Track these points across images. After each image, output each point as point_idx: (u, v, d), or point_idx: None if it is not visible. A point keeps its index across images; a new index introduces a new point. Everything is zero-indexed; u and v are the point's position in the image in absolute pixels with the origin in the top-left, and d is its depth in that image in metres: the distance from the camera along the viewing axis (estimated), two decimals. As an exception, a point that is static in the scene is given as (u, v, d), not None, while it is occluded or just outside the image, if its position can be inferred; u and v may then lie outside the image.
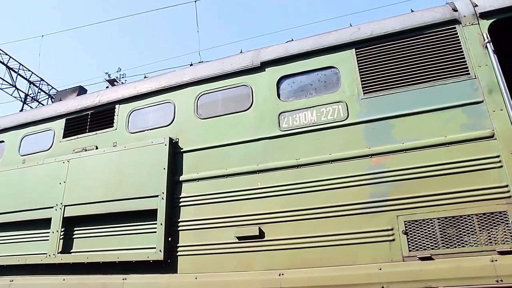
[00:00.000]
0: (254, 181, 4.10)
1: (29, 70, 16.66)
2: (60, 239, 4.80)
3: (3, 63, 15.75)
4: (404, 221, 3.50)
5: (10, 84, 16.21)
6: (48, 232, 4.92)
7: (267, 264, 3.78)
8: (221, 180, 4.25)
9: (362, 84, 4.03)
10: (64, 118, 5.66)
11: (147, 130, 4.92)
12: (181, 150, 4.59)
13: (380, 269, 3.42)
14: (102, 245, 4.58)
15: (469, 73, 3.72)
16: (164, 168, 4.45)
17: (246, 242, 3.93)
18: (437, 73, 3.82)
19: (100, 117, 5.37)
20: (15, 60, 15.99)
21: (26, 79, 16.61)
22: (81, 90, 6.95)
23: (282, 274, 3.67)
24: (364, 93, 4.00)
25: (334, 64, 4.24)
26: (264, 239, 3.88)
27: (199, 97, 4.77)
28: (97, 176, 4.84)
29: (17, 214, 5.27)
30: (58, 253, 4.74)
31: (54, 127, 5.70)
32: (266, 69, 4.53)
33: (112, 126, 5.20)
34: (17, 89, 16.29)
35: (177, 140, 4.65)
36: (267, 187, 4.02)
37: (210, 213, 4.18)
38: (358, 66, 4.11)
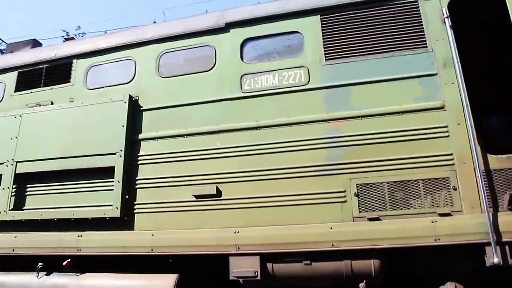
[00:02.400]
0: (213, 141, 4.13)
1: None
2: (11, 195, 4.65)
3: None
4: (356, 184, 3.67)
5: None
6: (-2, 189, 4.74)
7: (224, 222, 3.88)
8: (180, 140, 4.24)
9: (324, 51, 4.08)
10: (17, 71, 5.35)
11: (106, 87, 4.77)
12: (141, 109, 4.51)
13: (331, 228, 3.60)
14: (58, 203, 4.48)
15: (426, 47, 3.86)
16: (123, 126, 4.37)
17: (203, 200, 4.00)
18: (397, 44, 3.94)
19: (56, 72, 5.11)
20: None
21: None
22: (36, 44, 6.56)
23: (238, 232, 3.78)
24: (326, 60, 4.06)
25: (299, 29, 4.24)
26: (221, 198, 3.96)
27: (161, 56, 4.65)
28: (53, 132, 4.67)
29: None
30: (9, 210, 4.60)
31: (5, 80, 5.39)
32: (230, 31, 4.47)
33: (69, 82, 4.98)
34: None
35: (137, 98, 4.55)
36: (226, 147, 4.06)
37: (168, 172, 4.19)
38: (322, 33, 4.14)
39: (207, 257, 3.89)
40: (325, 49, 4.09)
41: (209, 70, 4.41)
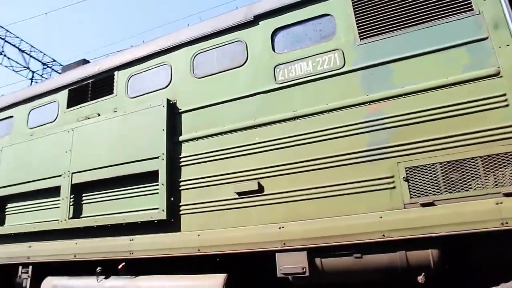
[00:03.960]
0: (251, 137, 4.04)
1: (41, 52, 16.89)
2: (70, 205, 4.93)
3: (15, 46, 15.99)
4: (405, 168, 3.37)
5: (24, 67, 16.50)
6: (59, 200, 5.06)
7: (267, 218, 3.77)
8: (219, 138, 4.21)
9: (358, 30, 3.83)
10: (67, 89, 5.70)
11: (146, 93, 4.89)
12: (179, 111, 4.55)
13: (381, 217, 3.34)
14: (110, 209, 4.67)
15: (472, 9, 3.46)
16: (163, 130, 4.44)
17: (246, 197, 3.92)
18: (437, 11, 3.58)
19: (100, 85, 5.37)
20: (26, 43, 16.21)
21: (39, 60, 16.87)
22: (85, 63, 6.95)
23: (282, 227, 3.65)
24: (360, 39, 3.81)
25: (329, 12, 4.03)
26: (263, 193, 3.85)
27: (195, 57, 4.68)
28: (100, 142, 4.89)
29: (30, 184, 5.44)
30: (69, 218, 4.88)
31: (58, 99, 5.76)
32: (259, 23, 4.37)
33: (112, 93, 5.20)
34: (31, 71, 16.58)
35: (175, 101, 4.60)
36: (264, 141, 3.96)
37: (209, 171, 4.17)
38: (354, 12, 3.90)
39: (253, 254, 3.80)
40: (359, 28, 3.84)
41: (242, 65, 4.34)
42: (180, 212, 4.22)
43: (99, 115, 5.13)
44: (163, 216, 4.19)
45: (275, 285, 3.88)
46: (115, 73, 5.26)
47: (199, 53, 4.67)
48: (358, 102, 3.66)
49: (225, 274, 3.84)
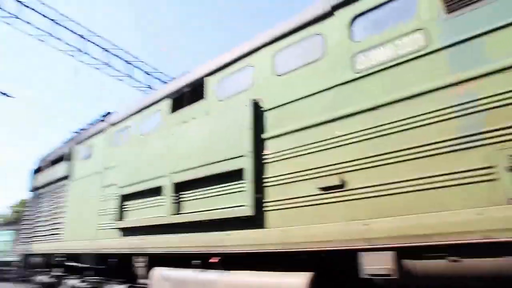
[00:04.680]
0: (332, 130, 3.91)
1: (161, 72, 19.07)
2: (172, 202, 5.43)
3: (120, 57, 18.24)
4: (509, 156, 2.88)
5: (147, 86, 18.80)
6: (164, 198, 5.62)
7: (351, 214, 3.59)
8: (300, 134, 4.18)
9: (444, 3, 3.42)
10: (168, 98, 6.31)
11: (232, 95, 5.13)
12: (263, 109, 4.65)
13: (480, 214, 2.90)
14: (203, 206, 5.00)
15: None
16: (248, 128, 4.59)
17: (328, 193, 3.80)
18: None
19: (194, 91, 5.82)
20: (130, 54, 18.40)
21: (158, 78, 19.06)
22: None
23: (367, 224, 3.44)
24: (445, 13, 3.39)
25: (409, -11, 3.68)
26: (346, 188, 3.68)
27: (276, 55, 4.74)
28: (193, 144, 5.29)
29: (142, 184, 6.15)
30: (171, 214, 5.38)
31: (161, 108, 6.42)
32: (336, 13, 4.21)
33: (204, 98, 5.57)
34: (150, 87, 18.77)
35: (259, 100, 4.72)
36: (345, 134, 3.79)
37: (292, 167, 4.16)
38: (438, -16, 3.49)
39: (335, 253, 3.66)
40: (444, 1, 3.42)
41: (320, 58, 4.24)
42: (265, 209, 4.29)
43: (194, 119, 5.55)
44: (249, 212, 4.32)
45: (358, 286, 3.67)
46: (205, 79, 5.65)
47: (279, 51, 4.72)
48: (446, 84, 3.25)
49: (310, 273, 3.77)
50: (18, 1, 14.73)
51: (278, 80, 4.62)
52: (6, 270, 24.60)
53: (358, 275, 3.43)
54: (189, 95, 5.92)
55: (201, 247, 4.87)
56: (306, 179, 4.02)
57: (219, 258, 4.72)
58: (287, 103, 4.42)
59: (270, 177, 4.36)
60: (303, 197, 3.99)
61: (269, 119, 4.58)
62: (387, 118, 3.54)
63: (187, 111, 5.79)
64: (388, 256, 3.28)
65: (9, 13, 14.64)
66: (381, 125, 3.56)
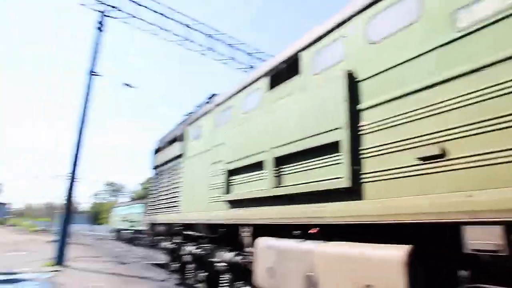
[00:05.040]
0: (431, 97, 3.63)
1: (263, 52, 19.61)
2: (273, 176, 5.67)
3: (244, 51, 19.05)
4: None
5: (249, 66, 19.61)
6: (265, 172, 5.90)
7: (453, 185, 3.34)
8: (397, 102, 3.96)
9: None
10: (265, 76, 6.51)
11: (327, 68, 5.07)
12: (358, 79, 4.52)
13: None
14: (302, 178, 5.12)
15: None
16: (344, 100, 4.53)
17: (428, 163, 3.58)
18: None
19: (289, 68, 5.90)
20: (232, 37, 19.10)
21: (260, 58, 19.69)
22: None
23: (471, 196, 3.17)
24: None
25: None
26: (447, 158, 3.42)
27: (368, 23, 4.53)
28: (290, 120, 5.41)
29: (245, 160, 6.54)
30: (272, 188, 5.64)
31: (260, 86, 6.66)
32: (434, -32, 3.83)
33: (299, 73, 5.62)
34: (252, 67, 19.56)
35: (353, 70, 4.60)
36: (445, 100, 3.49)
37: (390, 138, 4.00)
38: None
39: (435, 226, 3.46)
40: None
41: (417, 20, 3.93)
42: (363, 180, 4.23)
43: (289, 94, 5.66)
44: (346, 184, 4.31)
45: (461, 262, 3.41)
46: (299, 54, 5.68)
47: (372, 19, 4.50)
48: None
49: (410, 246, 3.64)
50: (133, 1, 16.41)
51: (373, 48, 4.42)
52: (140, 237, 28.50)
53: (461, 250, 3.21)
54: (285, 71, 6.02)
55: (300, 219, 5.02)
56: (405, 149, 3.83)
57: (318, 228, 4.82)
58: (383, 71, 4.22)
59: (367, 148, 4.26)
60: (401, 167, 3.83)
61: (365, 89, 4.44)
62: (493, 79, 3.16)
63: (283, 88, 5.92)
64: (497, 230, 3.00)
65: (127, 13, 16.41)
66: (487, 88, 3.20)
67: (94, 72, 15.14)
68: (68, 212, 14.31)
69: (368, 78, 4.41)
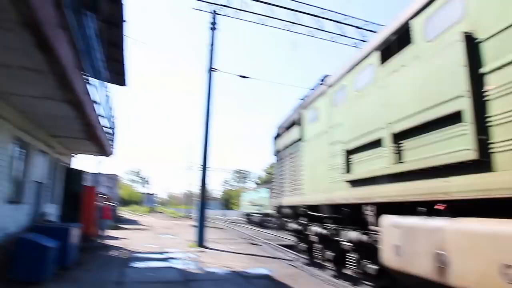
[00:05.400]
0: None
1: (374, 23, 18.58)
2: (392, 153, 5.48)
3: (353, 26, 18.36)
4: None
5: (361, 40, 18.84)
6: (384, 149, 5.73)
7: None
8: None
9: None
10: (376, 51, 6.26)
11: (441, 33, 4.66)
12: (478, 41, 4.06)
13: None
14: (424, 153, 4.84)
15: None
16: (462, 66, 4.13)
17: None
18: None
19: (401, 39, 5.57)
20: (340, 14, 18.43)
21: (370, 30, 18.77)
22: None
23: None
24: None
25: None
26: None
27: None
28: (406, 93, 5.16)
29: (362, 139, 6.45)
30: (392, 164, 5.45)
31: (371, 61, 6.43)
32: None
33: (411, 42, 5.27)
34: (364, 41, 18.73)
35: (472, 31, 4.14)
36: None
37: None
38: None
39: None
40: None
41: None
42: (491, 151, 3.82)
43: (403, 66, 5.35)
44: (472, 156, 3.96)
45: None
46: (409, 22, 5.32)
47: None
48: None
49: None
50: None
51: (496, 2, 3.90)
52: (268, 220, 30.09)
53: None
54: (396, 43, 5.71)
55: (424, 195, 4.78)
56: None
57: (445, 205, 4.52)
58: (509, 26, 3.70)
59: (495, 115, 3.82)
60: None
61: (488, 50, 3.97)
62: None
63: (396, 60, 5.64)
64: None
65: (236, 8, 17.24)
66: None
67: (213, 69, 16.36)
68: (203, 199, 15.93)
69: (492, 36, 3.92)
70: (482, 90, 3.98)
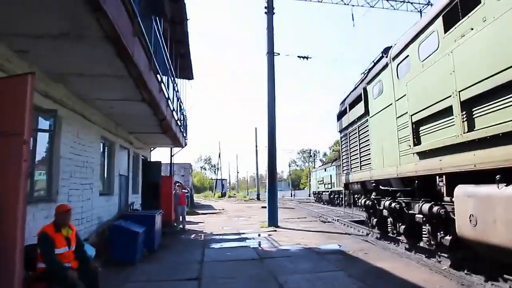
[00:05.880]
0: None
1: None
2: (462, 121, 5.33)
3: None
4: None
5: (426, 4, 17.70)
6: (453, 117, 5.58)
7: None
8: None
9: None
10: (440, 16, 6.03)
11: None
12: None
13: None
14: (498, 119, 4.66)
15: None
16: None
17: None
18: None
19: (465, 0, 5.31)
20: None
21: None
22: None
23: None
24: None
25: None
26: None
27: None
28: (477, 56, 4.97)
29: (430, 108, 6.32)
30: (464, 133, 5.31)
31: (435, 28, 6.21)
32: None
33: (480, 2, 5.01)
34: (430, 4, 17.53)
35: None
36: None
37: None
38: None
39: None
40: None
41: None
42: None
43: (472, 29, 5.13)
44: None
45: None
46: None
47: None
48: None
49: None
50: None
51: None
52: (337, 198, 30.03)
53: None
54: (461, 5, 5.45)
55: (498, 162, 4.63)
56: None
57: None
58: None
59: None
60: None
61: None
62: None
63: (463, 24, 5.39)
64: None
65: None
66: None
67: (273, 52, 16.52)
68: (272, 183, 16.38)
69: None
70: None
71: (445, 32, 5.90)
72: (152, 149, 16.94)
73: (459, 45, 5.36)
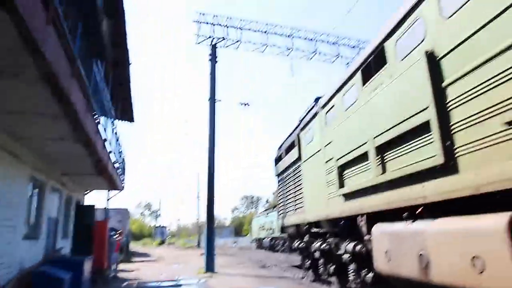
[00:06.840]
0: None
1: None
2: (376, 165, 5.99)
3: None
4: None
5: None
6: (369, 162, 6.24)
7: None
8: (480, 70, 3.95)
9: None
10: (358, 71, 6.89)
11: (410, 52, 5.22)
12: (439, 57, 4.61)
13: None
14: (402, 163, 5.34)
15: None
16: (427, 80, 4.67)
17: (515, 127, 3.57)
18: None
19: (378, 59, 6.17)
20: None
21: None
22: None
23: None
24: None
25: None
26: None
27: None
28: (384, 108, 5.68)
29: (352, 153, 6.96)
30: (376, 176, 5.95)
31: (355, 82, 7.05)
32: None
33: (386, 62, 5.87)
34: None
35: (433, 49, 4.72)
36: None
37: (476, 107, 3.98)
38: None
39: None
40: None
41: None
42: (456, 155, 4.30)
43: (381, 85, 5.94)
44: (440, 160, 4.44)
45: None
46: (384, 45, 5.93)
47: (444, -5, 4.60)
48: None
49: (510, 213, 3.63)
50: (239, 28, 18.17)
51: (449, 22, 4.49)
52: (278, 243, 30.15)
53: None
54: (374, 63, 6.31)
55: (405, 201, 5.21)
56: (493, 116, 3.83)
57: (422, 208, 4.96)
58: (462, 42, 4.23)
59: (456, 123, 4.31)
60: (492, 135, 3.84)
61: (446, 65, 4.50)
62: None
63: (376, 79, 6.20)
64: None
65: (233, 40, 18.21)
66: None
67: (214, 98, 17.11)
68: (210, 228, 16.32)
69: (448, 53, 4.46)
70: (445, 101, 4.47)
71: (363, 85, 6.70)
72: (87, 191, 16.27)
73: (373, 96, 6.12)
